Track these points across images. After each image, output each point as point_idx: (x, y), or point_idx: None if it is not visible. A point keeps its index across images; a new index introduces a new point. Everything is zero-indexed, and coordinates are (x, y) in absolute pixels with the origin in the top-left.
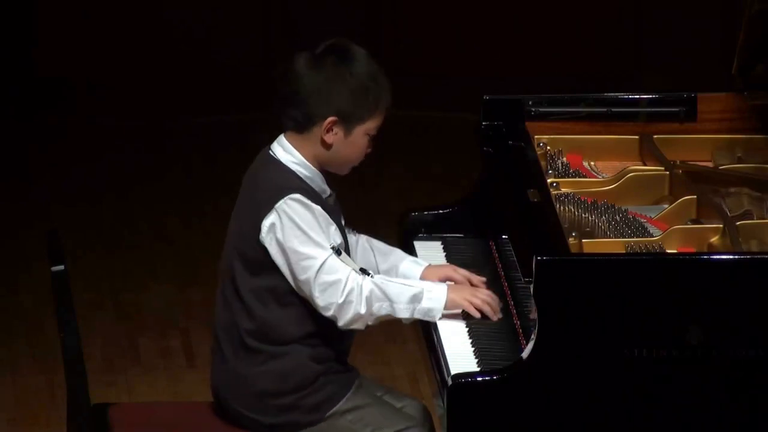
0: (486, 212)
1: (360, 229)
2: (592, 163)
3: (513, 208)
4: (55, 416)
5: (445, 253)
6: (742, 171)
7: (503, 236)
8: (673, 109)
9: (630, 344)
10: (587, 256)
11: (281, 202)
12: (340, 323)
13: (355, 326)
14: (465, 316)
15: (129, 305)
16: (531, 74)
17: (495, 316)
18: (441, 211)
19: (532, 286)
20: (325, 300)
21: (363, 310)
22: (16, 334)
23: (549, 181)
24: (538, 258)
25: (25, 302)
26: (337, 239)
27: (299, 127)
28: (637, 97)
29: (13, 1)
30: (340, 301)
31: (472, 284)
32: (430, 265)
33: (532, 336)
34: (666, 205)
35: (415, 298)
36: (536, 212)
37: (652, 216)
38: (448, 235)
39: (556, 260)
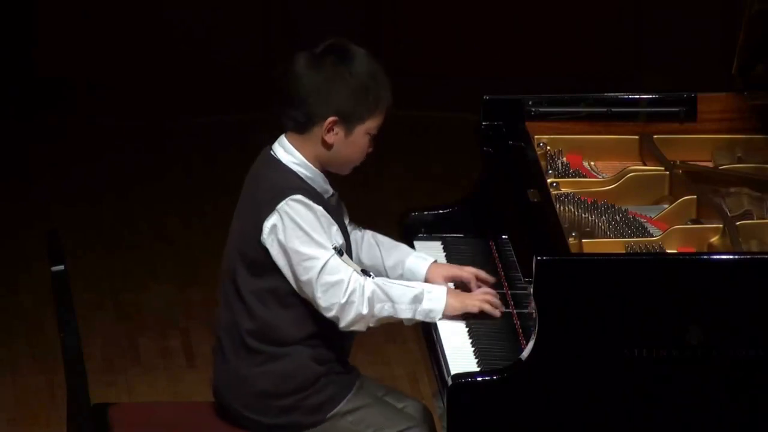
0: (486, 212)
1: None
2: (592, 163)
3: (513, 208)
4: (55, 416)
5: (445, 253)
6: (742, 171)
7: (503, 236)
8: (673, 109)
9: (630, 344)
10: (587, 256)
11: (283, 203)
12: (342, 324)
13: (356, 327)
14: (465, 315)
15: (129, 305)
16: (531, 74)
17: (497, 312)
18: (441, 211)
19: (532, 286)
20: (327, 300)
21: (365, 311)
22: (16, 334)
23: (549, 181)
24: (538, 258)
25: (25, 302)
26: (339, 240)
27: (300, 127)
28: (637, 97)
29: (13, 1)
30: (343, 301)
31: (479, 279)
32: (435, 261)
33: (532, 336)
34: (666, 205)
35: (417, 299)
36: (536, 212)
37: (652, 216)
38: (448, 235)
39: (556, 260)
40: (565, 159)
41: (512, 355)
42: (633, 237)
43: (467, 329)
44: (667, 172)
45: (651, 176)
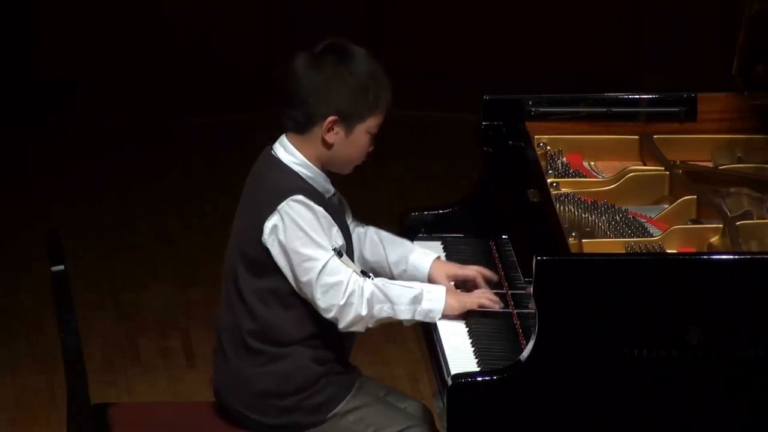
0: (486, 212)
1: None
2: (592, 163)
3: (513, 208)
4: (55, 416)
5: (445, 253)
6: (742, 171)
7: (503, 236)
8: (673, 109)
9: (630, 344)
10: (587, 256)
11: (284, 203)
12: (341, 325)
13: (355, 328)
14: (465, 314)
15: (129, 305)
16: (531, 74)
17: (497, 305)
18: (441, 211)
19: (532, 286)
20: (326, 302)
21: (364, 312)
22: (16, 334)
23: (549, 181)
24: (538, 258)
25: (25, 302)
26: (339, 241)
27: (300, 127)
28: (637, 97)
29: (13, 1)
30: (342, 302)
31: (484, 277)
32: (439, 257)
33: (532, 336)
34: (666, 205)
35: (416, 300)
36: (536, 212)
37: (652, 216)
38: (448, 235)
39: (556, 260)
40: (565, 159)
41: (512, 355)
42: (633, 237)
43: (467, 329)
44: (667, 172)
45: (651, 176)
